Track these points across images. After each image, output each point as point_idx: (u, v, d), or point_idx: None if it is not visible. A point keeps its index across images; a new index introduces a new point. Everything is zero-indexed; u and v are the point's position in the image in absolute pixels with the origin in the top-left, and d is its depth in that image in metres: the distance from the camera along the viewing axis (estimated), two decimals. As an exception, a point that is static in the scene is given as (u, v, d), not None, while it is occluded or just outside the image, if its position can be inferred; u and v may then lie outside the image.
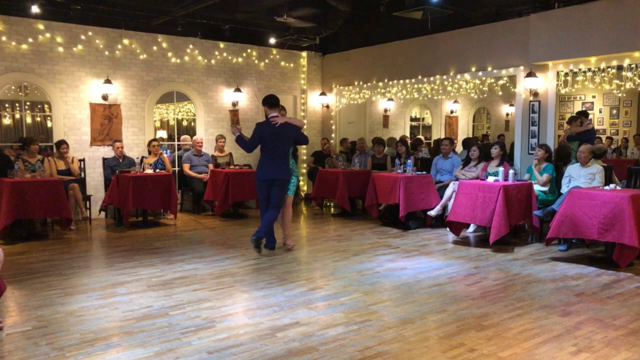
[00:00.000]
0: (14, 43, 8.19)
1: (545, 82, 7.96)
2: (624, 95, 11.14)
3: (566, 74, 7.81)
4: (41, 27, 8.39)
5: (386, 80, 10.26)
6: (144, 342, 3.55)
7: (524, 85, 8.08)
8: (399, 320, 4.00)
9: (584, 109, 12.83)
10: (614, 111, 12.72)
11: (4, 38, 8.10)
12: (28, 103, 8.95)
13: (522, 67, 8.12)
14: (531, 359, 3.32)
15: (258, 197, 6.46)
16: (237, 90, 10.42)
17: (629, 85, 7.38)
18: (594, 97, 12.84)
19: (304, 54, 11.41)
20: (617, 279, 5.18)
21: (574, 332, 3.76)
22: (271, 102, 6.32)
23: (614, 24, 7.00)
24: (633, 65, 7.20)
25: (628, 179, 6.66)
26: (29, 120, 9.63)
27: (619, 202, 5.35)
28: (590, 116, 12.73)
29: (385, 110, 12.55)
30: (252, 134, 6.28)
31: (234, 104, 10.49)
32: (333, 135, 11.46)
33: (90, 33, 8.84)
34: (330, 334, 3.71)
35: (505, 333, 3.75)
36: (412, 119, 13.45)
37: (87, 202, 8.35)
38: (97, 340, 3.59)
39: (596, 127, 12.79)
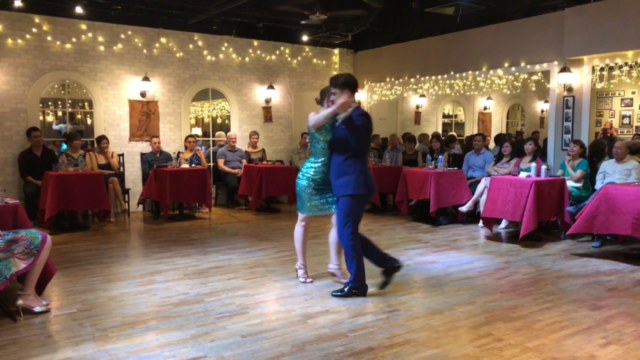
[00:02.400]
0: (58, 43, 8.55)
1: (580, 77, 7.85)
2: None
3: (602, 69, 7.69)
4: (84, 27, 8.73)
5: (418, 77, 10.27)
6: (181, 326, 3.72)
7: (558, 81, 7.99)
8: (427, 311, 4.07)
9: (623, 105, 12.59)
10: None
11: (49, 38, 8.47)
12: (70, 101, 9.31)
13: (556, 62, 8.03)
14: (558, 349, 3.35)
15: (355, 214, 4.41)
16: (270, 87, 10.59)
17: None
18: (633, 92, 12.53)
19: (336, 51, 11.51)
20: (651, 275, 5.12)
21: (604, 326, 3.77)
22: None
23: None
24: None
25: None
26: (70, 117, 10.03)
27: (654, 198, 5.28)
28: (629, 112, 12.47)
29: (417, 107, 12.55)
30: (360, 124, 4.33)
31: (267, 101, 10.67)
32: (365, 131, 11.51)
33: (129, 32, 9.14)
34: (359, 322, 3.81)
35: (534, 325, 3.78)
36: (444, 116, 13.39)
37: (126, 196, 8.65)
38: (137, 323, 3.78)
39: (635, 124, 12.51)
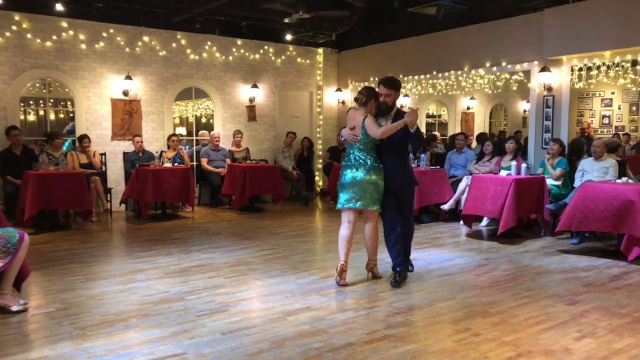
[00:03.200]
0: (38, 40, 8.46)
1: (559, 77, 7.96)
2: (643, 90, 11.04)
3: (580, 69, 7.81)
4: (64, 24, 8.65)
5: (401, 76, 10.31)
6: (161, 324, 3.72)
7: (538, 80, 8.10)
8: (407, 307, 4.11)
9: (603, 105, 12.78)
10: (633, 107, 12.59)
11: (29, 35, 8.37)
12: (52, 100, 9.21)
13: (536, 62, 8.13)
14: (534, 343, 3.40)
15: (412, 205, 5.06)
16: (254, 86, 10.58)
17: (644, 79, 7.36)
18: (613, 93, 12.73)
19: (320, 50, 11.53)
20: (627, 270, 5.21)
21: (579, 320, 3.83)
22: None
23: (626, 17, 6.99)
24: (648, 60, 7.19)
25: (642, 173, 6.66)
26: (52, 116, 9.94)
27: (631, 195, 5.38)
28: (609, 113, 12.67)
29: (401, 107, 12.55)
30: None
31: (251, 100, 10.66)
32: (349, 131, 11.55)
33: (111, 30, 9.08)
34: (339, 318, 3.84)
35: (511, 320, 3.83)
36: (428, 116, 13.47)
37: (108, 195, 8.59)
38: (116, 321, 3.77)
39: (615, 123, 12.71)
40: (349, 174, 4.66)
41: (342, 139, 4.98)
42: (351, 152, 4.72)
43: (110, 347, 3.30)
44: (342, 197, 4.73)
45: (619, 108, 12.77)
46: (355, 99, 4.82)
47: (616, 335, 3.54)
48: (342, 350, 3.27)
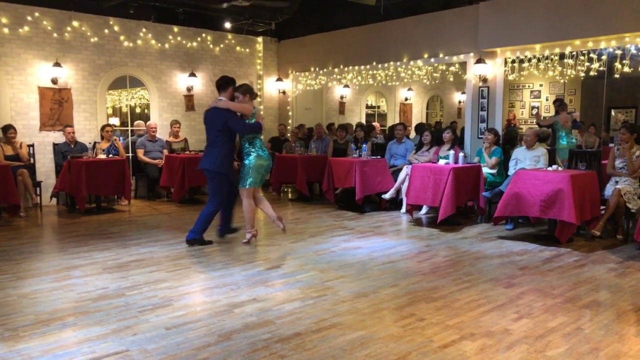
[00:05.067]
0: (-45, 23, 7.86)
1: (493, 69, 8.25)
2: (567, 82, 11.64)
3: (513, 61, 8.12)
4: (-15, 7, 8.07)
5: (342, 67, 10.38)
6: (101, 321, 3.56)
7: (474, 72, 8.36)
8: (353, 295, 4.14)
9: (532, 97, 13.36)
10: (555, 100, 13.24)
11: (-56, 18, 7.76)
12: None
13: (472, 54, 8.39)
14: (476, 325, 3.52)
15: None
16: (192, 75, 10.31)
17: (570, 72, 7.73)
18: (541, 85, 13.33)
19: (260, 39, 11.38)
20: (557, 254, 5.49)
21: (516, 301, 4.00)
22: (218, 84, 5.86)
23: (556, 12, 7.32)
24: (574, 53, 7.56)
25: (569, 162, 7.02)
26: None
27: (559, 182, 5.65)
28: (538, 104, 13.28)
29: (342, 97, 12.68)
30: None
31: (189, 89, 10.39)
32: (290, 121, 11.51)
33: (37, 14, 8.55)
34: (286, 309, 3.82)
35: (453, 304, 3.95)
36: (368, 107, 13.62)
37: (37, 189, 8.13)
38: (52, 320, 3.58)
39: (543, 114, 13.34)
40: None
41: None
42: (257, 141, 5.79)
43: (46, 348, 3.12)
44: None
45: (547, 99, 13.40)
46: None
47: (550, 315, 3.72)
48: (290, 341, 3.25)
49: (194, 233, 5.80)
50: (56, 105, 8.82)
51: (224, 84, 5.78)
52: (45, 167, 8.70)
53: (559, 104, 8.79)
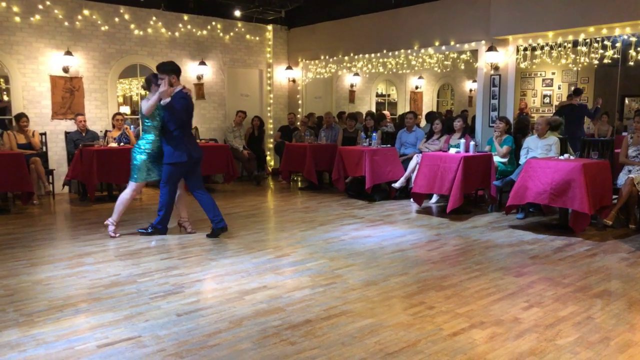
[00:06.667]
0: (-33, 12, 7.91)
1: (505, 57, 8.17)
2: (580, 70, 11.51)
3: (525, 49, 8.03)
4: (-4, -5, 8.11)
5: (352, 55, 10.32)
6: (113, 307, 3.60)
7: (485, 59, 8.28)
8: (362, 283, 4.15)
9: (544, 85, 13.24)
10: (572, 88, 13.11)
11: (-44, 7, 7.81)
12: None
13: (483, 42, 8.31)
14: (486, 314, 3.52)
15: (173, 179, 5.67)
16: (202, 63, 10.31)
17: (583, 60, 7.64)
18: (553, 73, 13.19)
19: (270, 27, 11.35)
20: (568, 243, 5.46)
21: (527, 290, 3.99)
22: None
23: (570, -1, 7.22)
24: (588, 41, 7.46)
25: (582, 150, 6.96)
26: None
27: (571, 171, 5.61)
28: (550, 92, 13.16)
29: (352, 86, 12.64)
30: (179, 106, 5.40)
31: (199, 78, 10.40)
32: (300, 109, 11.50)
33: (48, 3, 8.58)
34: (296, 296, 3.84)
35: (463, 292, 3.95)
36: (378, 95, 13.57)
37: (50, 177, 8.21)
38: (65, 306, 3.62)
39: (555, 103, 13.20)
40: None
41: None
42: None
43: (60, 333, 3.17)
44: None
45: (559, 88, 13.26)
46: (142, 86, 5.75)
47: (561, 304, 3.71)
48: (300, 328, 3.28)
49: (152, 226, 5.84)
50: (67, 94, 8.87)
51: (153, 77, 5.53)
52: (58, 155, 8.78)
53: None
